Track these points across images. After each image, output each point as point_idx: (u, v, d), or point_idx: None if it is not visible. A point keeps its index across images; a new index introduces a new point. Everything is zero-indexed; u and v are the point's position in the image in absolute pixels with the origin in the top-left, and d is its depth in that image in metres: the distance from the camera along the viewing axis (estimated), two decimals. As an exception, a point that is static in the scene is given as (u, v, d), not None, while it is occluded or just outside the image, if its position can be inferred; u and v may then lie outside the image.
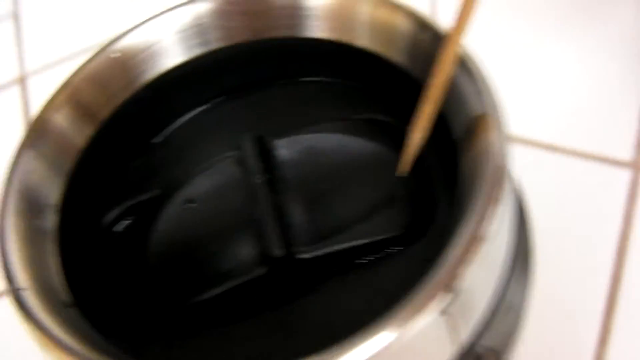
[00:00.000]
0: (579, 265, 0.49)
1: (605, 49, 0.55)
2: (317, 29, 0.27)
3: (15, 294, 0.22)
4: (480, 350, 0.24)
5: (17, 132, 0.52)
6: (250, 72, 0.30)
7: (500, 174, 0.22)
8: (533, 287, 0.27)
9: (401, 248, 0.26)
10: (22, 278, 0.23)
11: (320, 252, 0.25)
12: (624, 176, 0.51)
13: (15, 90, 0.56)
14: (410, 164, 0.26)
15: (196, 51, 0.28)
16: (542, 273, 0.48)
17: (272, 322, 0.25)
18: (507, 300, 0.25)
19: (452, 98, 0.25)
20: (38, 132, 0.26)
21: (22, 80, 0.57)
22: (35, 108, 0.53)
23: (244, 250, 0.26)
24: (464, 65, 0.25)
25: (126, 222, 0.28)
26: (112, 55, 0.27)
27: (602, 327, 0.47)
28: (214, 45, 0.28)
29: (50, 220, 0.25)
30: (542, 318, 0.47)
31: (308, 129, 0.27)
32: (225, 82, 0.30)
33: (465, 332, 0.23)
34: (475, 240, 0.21)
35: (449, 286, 0.21)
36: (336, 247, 0.25)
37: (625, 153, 0.52)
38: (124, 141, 0.29)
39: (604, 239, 0.50)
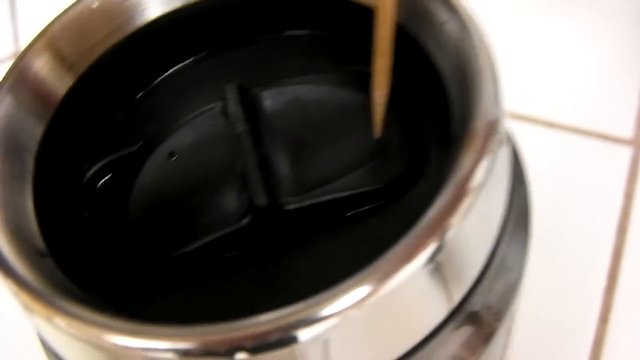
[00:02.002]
0: (580, 242, 0.49)
1: (607, 24, 0.55)
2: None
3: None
4: (475, 308, 0.24)
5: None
6: (234, 25, 0.29)
7: (493, 125, 0.21)
8: (530, 252, 0.26)
9: (391, 200, 0.25)
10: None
11: (306, 203, 0.24)
12: (625, 153, 0.51)
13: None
14: (381, 125, 0.25)
15: (177, 3, 0.27)
16: (542, 247, 0.47)
17: (255, 276, 0.24)
18: (503, 261, 0.24)
19: (440, 44, 0.24)
20: (16, 77, 0.25)
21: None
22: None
23: (227, 202, 0.25)
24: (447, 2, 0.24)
25: (107, 178, 0.27)
26: (92, 6, 0.26)
27: (603, 304, 0.46)
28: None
29: (28, 168, 0.24)
30: (540, 290, 0.46)
31: (294, 80, 0.26)
32: (209, 36, 0.29)
33: (458, 290, 0.23)
34: (464, 190, 0.20)
35: (435, 236, 0.20)
36: (322, 198, 0.24)
37: (626, 130, 0.52)
38: (106, 94, 0.28)
39: (605, 216, 0.50)
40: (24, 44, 0.57)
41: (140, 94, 0.29)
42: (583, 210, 0.48)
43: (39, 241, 0.23)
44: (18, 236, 0.22)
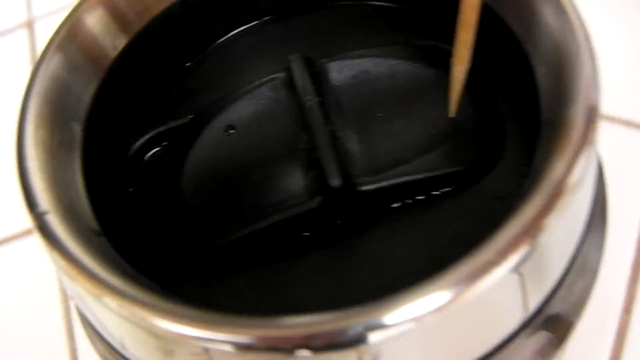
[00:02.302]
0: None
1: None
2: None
3: (39, 218, 0.19)
4: (553, 312, 0.22)
5: (24, 77, 0.51)
6: None
7: (593, 113, 0.19)
8: (607, 249, 0.25)
9: (466, 184, 0.23)
10: (45, 200, 0.20)
11: (381, 184, 0.22)
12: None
13: (23, 34, 0.54)
14: (458, 102, 0.23)
15: None
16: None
17: (321, 262, 0.22)
18: (584, 261, 0.23)
19: (529, 21, 0.22)
20: (68, 34, 0.23)
21: (29, 25, 0.54)
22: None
23: (293, 181, 0.23)
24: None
25: (156, 150, 0.25)
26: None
27: (627, 295, 0.45)
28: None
29: (77, 137, 0.22)
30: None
31: (362, 52, 0.25)
32: (269, 2, 0.27)
33: (539, 293, 0.21)
34: (563, 187, 0.18)
35: (527, 238, 0.18)
36: (398, 180, 0.22)
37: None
38: (157, 58, 0.26)
39: (629, 204, 0.48)
40: (36, 11, 0.55)
41: (191, 62, 0.27)
42: (611, 201, 0.47)
43: (92, 219, 0.21)
44: (72, 214, 0.20)
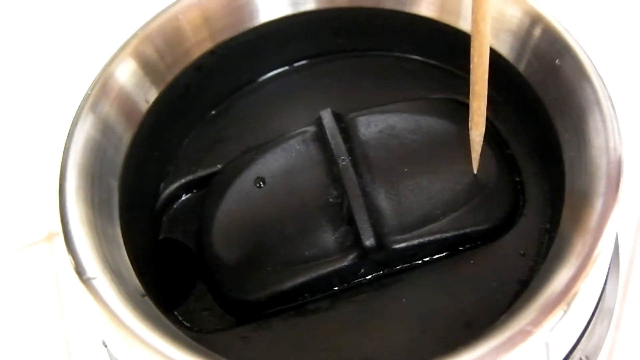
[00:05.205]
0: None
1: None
2: (422, 6, 0.25)
3: (87, 282, 0.20)
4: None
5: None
6: (322, 42, 0.28)
7: (618, 172, 0.21)
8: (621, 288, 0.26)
9: (490, 239, 0.24)
10: (91, 265, 0.20)
11: (413, 243, 0.23)
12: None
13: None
14: (477, 163, 0.24)
15: (286, 11, 0.26)
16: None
17: (349, 317, 0.23)
18: (603, 306, 0.24)
19: (554, 86, 0.23)
20: (101, 92, 0.23)
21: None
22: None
23: (324, 236, 0.23)
24: (564, 48, 0.23)
25: (185, 199, 0.26)
26: (178, 16, 0.24)
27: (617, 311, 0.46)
28: (309, 5, 0.26)
29: (114, 193, 0.23)
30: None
31: (388, 107, 0.25)
32: (294, 51, 0.28)
33: (564, 348, 0.22)
34: (594, 254, 0.19)
35: (562, 304, 0.19)
36: (429, 238, 0.23)
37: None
38: (186, 107, 0.26)
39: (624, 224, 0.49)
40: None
41: (217, 109, 0.27)
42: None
43: (136, 280, 0.21)
44: (119, 277, 0.20)
